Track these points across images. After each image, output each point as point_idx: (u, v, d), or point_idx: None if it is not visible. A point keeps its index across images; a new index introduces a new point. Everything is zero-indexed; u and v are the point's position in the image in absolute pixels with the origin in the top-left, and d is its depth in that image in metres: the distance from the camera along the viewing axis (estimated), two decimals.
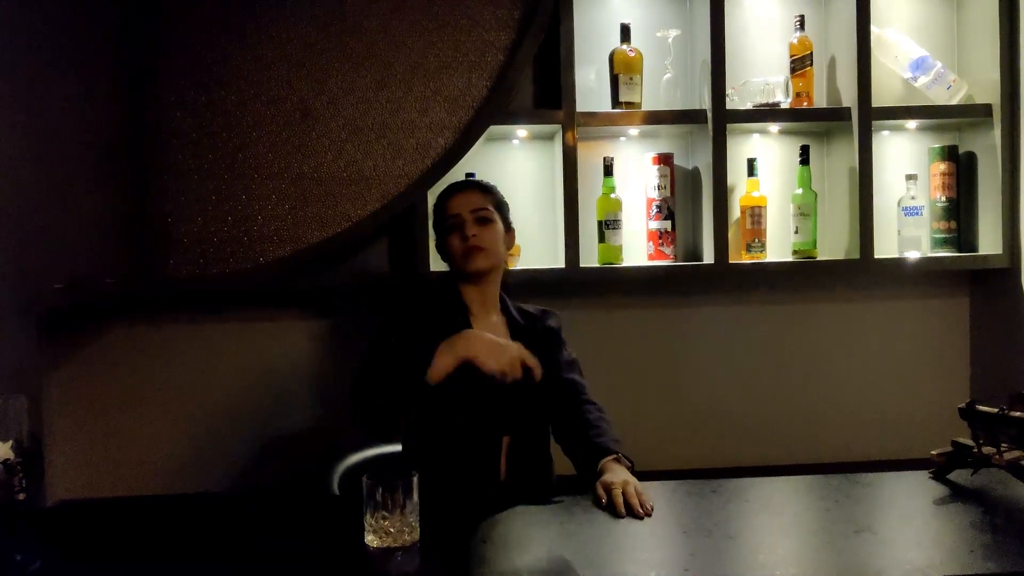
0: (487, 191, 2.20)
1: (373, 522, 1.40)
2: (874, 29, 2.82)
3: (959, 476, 1.78)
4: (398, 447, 2.19)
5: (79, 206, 2.23)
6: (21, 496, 1.20)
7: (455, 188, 2.21)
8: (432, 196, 2.73)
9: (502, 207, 2.21)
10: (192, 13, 2.64)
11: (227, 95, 2.67)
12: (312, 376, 2.82)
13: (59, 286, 2.03)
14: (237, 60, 2.66)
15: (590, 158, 2.85)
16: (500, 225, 2.17)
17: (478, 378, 1.93)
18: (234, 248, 2.68)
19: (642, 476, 2.78)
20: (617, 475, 1.81)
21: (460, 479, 2.01)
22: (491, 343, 1.84)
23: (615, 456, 1.92)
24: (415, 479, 1.42)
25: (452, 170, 2.69)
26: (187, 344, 2.80)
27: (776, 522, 1.57)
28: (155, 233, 2.64)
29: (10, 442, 1.19)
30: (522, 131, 2.82)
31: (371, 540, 1.39)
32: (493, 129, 2.74)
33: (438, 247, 2.22)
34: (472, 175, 2.77)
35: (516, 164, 2.89)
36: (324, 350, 2.83)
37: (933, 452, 1.83)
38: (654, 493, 1.75)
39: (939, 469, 1.80)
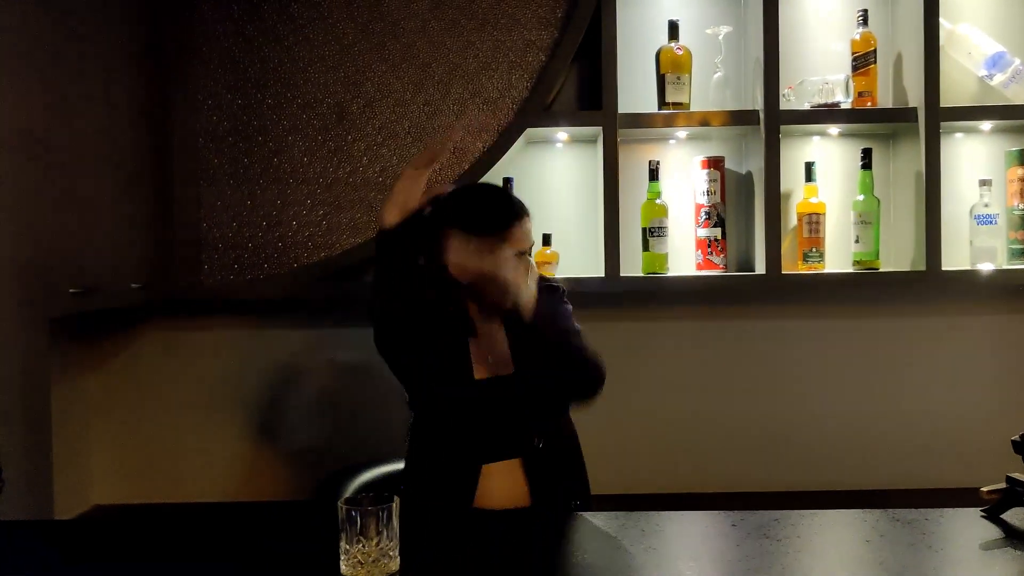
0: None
1: (348, 549, 1.30)
2: (945, 24, 2.63)
3: (1014, 516, 1.59)
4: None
5: (104, 210, 2.21)
6: None
7: (517, 212, 1.89)
8: None
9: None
10: (227, 14, 2.60)
11: (263, 98, 2.63)
12: (346, 384, 2.76)
13: (74, 291, 2.00)
14: (273, 62, 2.62)
15: (634, 162, 2.72)
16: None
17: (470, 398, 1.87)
18: (267, 254, 2.63)
19: (685, 498, 2.68)
20: None
21: (445, 504, 1.89)
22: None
23: None
24: (395, 504, 1.32)
25: (490, 172, 2.60)
26: (221, 350, 2.77)
27: (807, 562, 1.43)
28: (188, 238, 2.61)
29: None
30: (563, 134, 2.70)
31: (345, 570, 1.30)
32: (534, 132, 2.64)
33: (432, 243, 1.91)
34: (510, 180, 2.67)
35: (557, 168, 2.78)
36: (360, 359, 2.76)
37: (984, 489, 1.64)
38: (696, 526, 1.62)
39: (992, 508, 1.61)
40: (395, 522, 1.32)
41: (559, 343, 1.90)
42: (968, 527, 1.57)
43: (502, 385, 1.91)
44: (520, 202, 1.94)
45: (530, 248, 1.93)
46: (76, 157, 2.07)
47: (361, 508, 1.31)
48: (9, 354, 1.82)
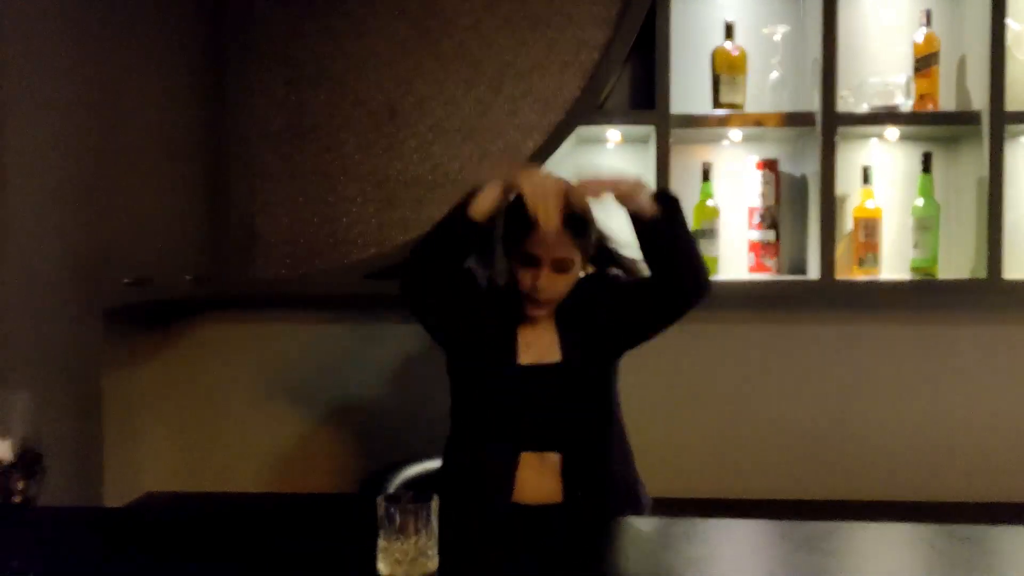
0: (580, 234, 1.88)
1: (386, 546, 1.30)
2: (1013, 25, 2.55)
3: None
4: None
5: (158, 204, 2.24)
6: (17, 499, 1.16)
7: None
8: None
9: (588, 244, 1.93)
10: (284, 9, 2.62)
11: (317, 94, 2.64)
12: (392, 381, 2.77)
13: (127, 282, 2.03)
14: (327, 59, 2.64)
15: (687, 163, 2.69)
16: (579, 264, 1.92)
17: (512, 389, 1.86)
18: (319, 250, 2.65)
19: (733, 504, 2.64)
20: None
21: (481, 500, 1.88)
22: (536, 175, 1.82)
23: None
24: (434, 502, 1.32)
25: None
26: (271, 344, 2.80)
27: None
28: (241, 233, 2.64)
29: (8, 441, 1.15)
30: (615, 133, 2.68)
31: (382, 568, 1.30)
32: (585, 131, 2.62)
33: (505, 250, 1.95)
34: None
35: (609, 168, 2.74)
36: (407, 355, 2.77)
37: None
38: (743, 536, 1.58)
39: None
40: (434, 520, 1.31)
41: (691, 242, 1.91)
42: None
43: (547, 373, 1.90)
44: (572, 217, 1.90)
45: (563, 269, 1.88)
46: (132, 150, 2.10)
47: (400, 505, 1.30)
48: (62, 343, 1.85)
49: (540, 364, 1.92)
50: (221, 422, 2.80)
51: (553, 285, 1.88)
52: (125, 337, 2.64)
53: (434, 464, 2.21)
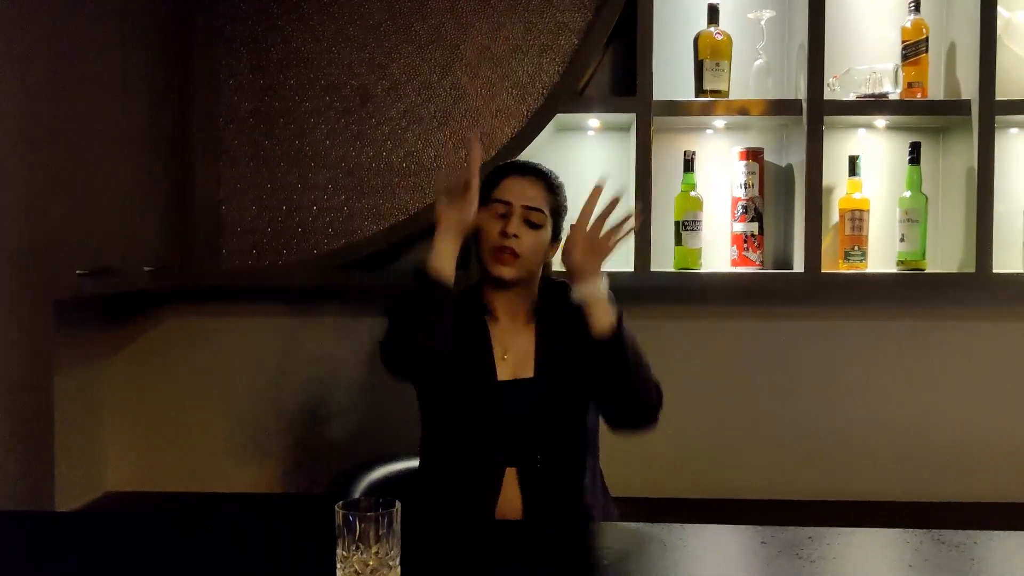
0: (552, 189, 1.87)
1: (346, 556, 1.21)
2: (1003, 12, 2.48)
3: None
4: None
5: (117, 191, 2.14)
6: None
7: (517, 169, 1.89)
8: None
9: (559, 213, 1.90)
10: None
11: (286, 78, 2.55)
12: (365, 375, 2.68)
13: (81, 272, 1.92)
14: (297, 42, 2.54)
15: (669, 152, 2.61)
16: (548, 233, 1.85)
17: (486, 400, 1.77)
18: (288, 239, 2.55)
19: (712, 504, 2.56)
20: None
21: (458, 511, 1.78)
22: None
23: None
24: (396, 509, 1.23)
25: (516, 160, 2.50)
26: (237, 337, 2.70)
27: None
28: (206, 221, 2.54)
29: None
30: (595, 121, 2.59)
31: None
32: (565, 119, 2.54)
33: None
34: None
35: (588, 156, 2.67)
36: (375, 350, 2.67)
37: None
38: (723, 542, 1.50)
39: None
40: (396, 528, 1.23)
41: (638, 375, 1.75)
42: (1021, 552, 1.44)
43: (522, 388, 1.81)
44: (544, 171, 1.90)
45: (534, 224, 1.82)
46: (88, 136, 2.00)
47: (359, 513, 1.21)
48: (7, 336, 1.75)
49: (516, 379, 1.82)
50: (184, 419, 2.70)
51: (525, 237, 1.80)
52: (81, 331, 2.54)
53: (406, 464, 2.12)
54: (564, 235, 1.87)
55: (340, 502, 1.23)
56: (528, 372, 1.82)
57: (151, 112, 2.32)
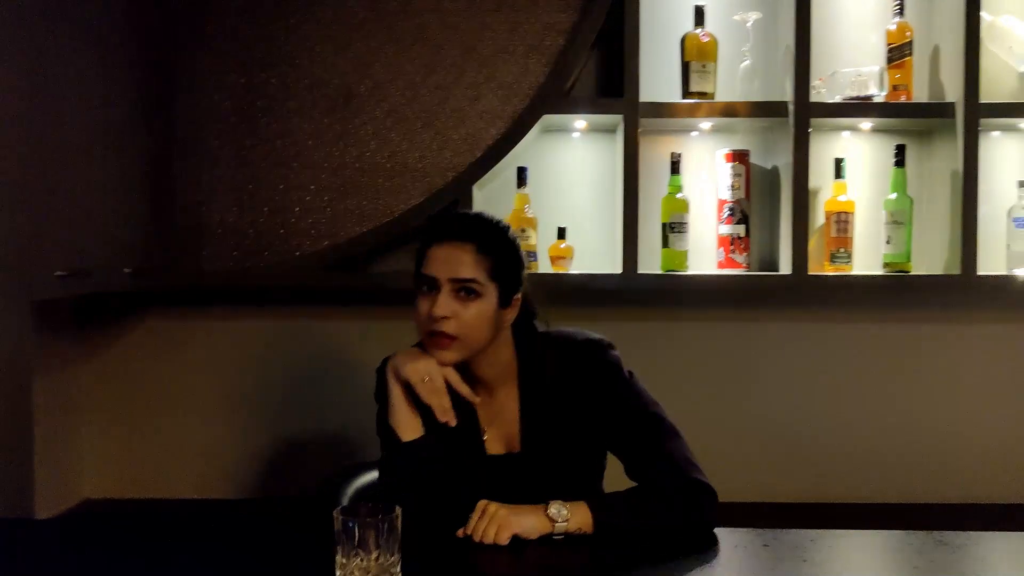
0: (488, 249, 1.59)
1: (345, 563, 1.18)
2: (986, 16, 2.49)
3: None
4: None
5: (97, 191, 2.09)
6: None
7: (440, 233, 1.61)
8: (483, 194, 2.56)
9: (505, 271, 1.61)
10: None
11: (268, 77, 2.51)
12: (349, 378, 2.63)
13: (60, 274, 1.88)
14: (279, 40, 2.50)
15: (655, 154, 2.60)
16: (492, 299, 1.59)
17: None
18: (269, 240, 2.51)
19: None
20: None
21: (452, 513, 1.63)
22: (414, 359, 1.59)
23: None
24: (397, 513, 1.20)
25: (503, 162, 2.48)
26: (218, 340, 2.65)
27: None
28: (187, 223, 2.49)
29: None
30: (581, 122, 2.58)
31: None
32: (550, 120, 2.52)
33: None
34: (524, 169, 2.54)
35: (574, 158, 2.65)
36: (362, 353, 2.63)
37: None
38: (724, 546, 1.47)
39: None
40: (398, 534, 1.20)
41: (663, 523, 1.53)
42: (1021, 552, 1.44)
43: (511, 464, 1.67)
44: (476, 228, 1.62)
45: (470, 293, 1.56)
46: (67, 136, 1.95)
47: (359, 519, 1.18)
48: None
49: (505, 455, 1.67)
50: (165, 424, 2.65)
51: (456, 314, 1.56)
52: (61, 333, 2.48)
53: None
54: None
55: (338, 508, 1.20)
56: (516, 446, 1.67)
57: (132, 111, 2.27)
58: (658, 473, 1.56)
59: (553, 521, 1.47)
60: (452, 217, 1.72)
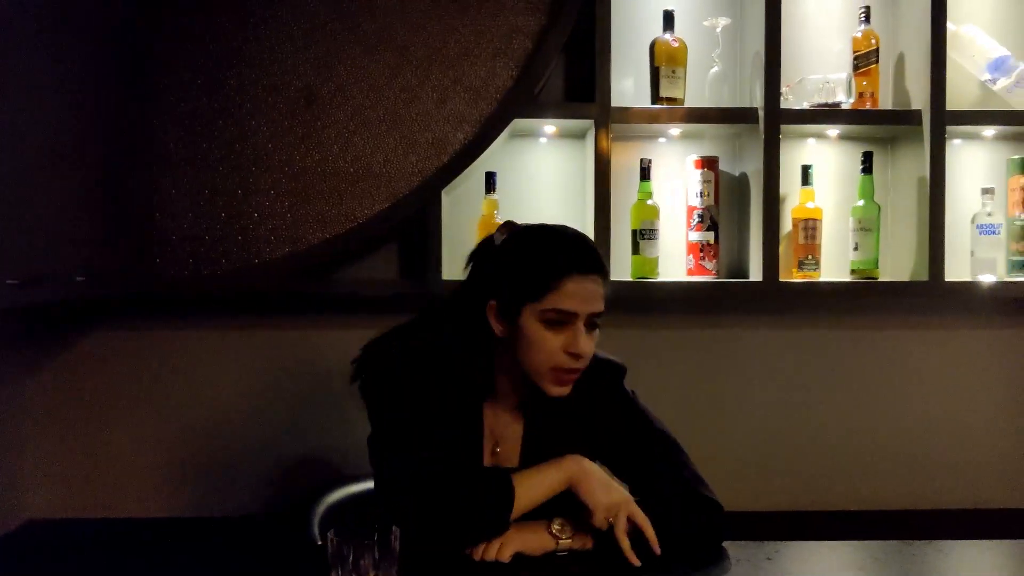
0: (607, 281, 1.56)
1: None
2: (949, 25, 2.51)
3: None
4: None
5: (44, 195, 1.98)
6: None
7: (579, 265, 1.50)
8: (450, 199, 2.49)
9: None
10: None
11: (226, 78, 2.41)
12: (315, 390, 2.54)
13: (12, 282, 1.76)
14: (238, 40, 2.41)
15: (625, 160, 2.57)
16: None
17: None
18: (227, 247, 2.41)
19: None
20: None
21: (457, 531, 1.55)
22: (603, 480, 1.46)
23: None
24: (395, 534, 1.13)
25: (471, 168, 2.42)
26: (174, 352, 2.53)
27: None
28: (141, 229, 2.38)
29: None
30: (550, 127, 2.53)
31: None
32: (519, 124, 2.46)
33: (512, 308, 1.53)
34: (493, 174, 2.48)
35: (542, 164, 2.60)
36: (327, 364, 2.55)
37: None
38: None
39: None
40: (395, 556, 1.13)
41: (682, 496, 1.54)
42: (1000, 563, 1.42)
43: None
44: (602, 261, 1.54)
45: (596, 327, 1.51)
46: (17, 141, 1.84)
47: (355, 541, 1.11)
48: None
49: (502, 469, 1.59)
50: (116, 439, 2.52)
51: (589, 347, 1.51)
52: (8, 345, 2.35)
53: (362, 487, 1.99)
54: None
55: (332, 529, 1.13)
56: (513, 461, 1.61)
57: (83, 114, 2.16)
58: (665, 489, 1.54)
59: (556, 538, 1.42)
60: (581, 245, 1.55)
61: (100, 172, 2.25)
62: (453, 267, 2.45)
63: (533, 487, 1.45)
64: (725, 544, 1.48)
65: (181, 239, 2.40)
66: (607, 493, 1.45)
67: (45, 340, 2.49)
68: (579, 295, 1.48)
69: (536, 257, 1.52)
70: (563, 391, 1.52)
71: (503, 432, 1.62)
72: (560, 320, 1.48)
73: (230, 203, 2.41)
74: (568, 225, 1.62)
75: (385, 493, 1.52)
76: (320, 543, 1.76)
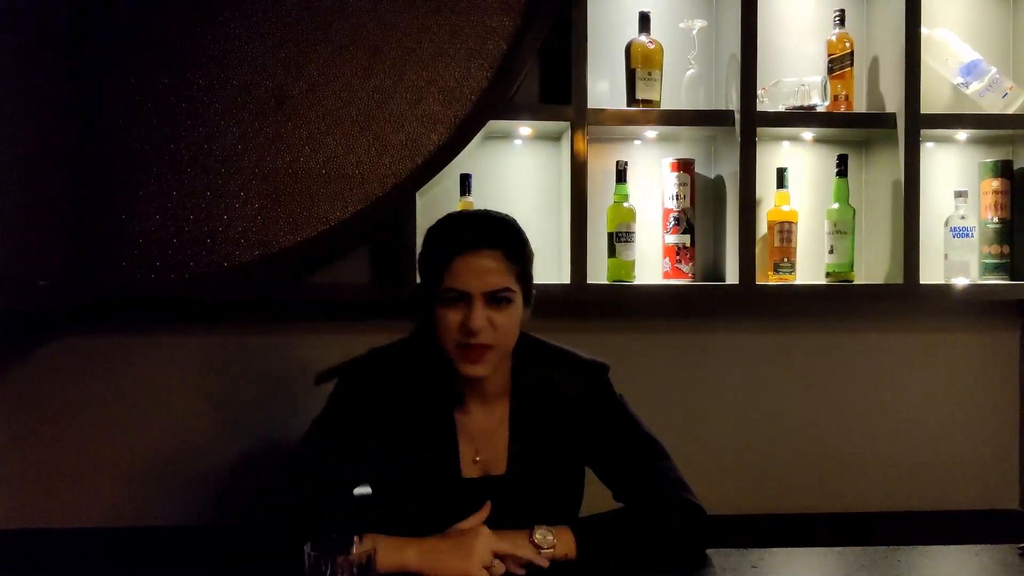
0: (515, 256, 1.53)
1: None
2: (923, 28, 2.51)
3: None
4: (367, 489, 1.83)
5: (7, 200, 1.91)
6: None
7: (465, 243, 1.51)
8: (424, 202, 2.45)
9: (528, 273, 1.58)
10: None
11: (194, 78, 2.36)
12: (284, 397, 2.49)
13: None
14: (206, 39, 2.35)
15: (601, 162, 2.54)
16: (519, 302, 1.54)
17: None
18: (195, 251, 2.36)
19: None
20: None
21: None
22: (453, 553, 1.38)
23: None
24: (375, 550, 1.09)
25: (446, 170, 2.39)
26: (140, 359, 2.46)
27: None
28: (105, 232, 2.32)
29: None
30: (526, 129, 2.50)
31: None
32: (494, 126, 2.43)
33: (417, 301, 1.59)
34: (468, 177, 2.45)
35: (518, 166, 2.57)
36: (298, 371, 2.50)
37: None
38: None
39: None
40: (376, 571, 1.09)
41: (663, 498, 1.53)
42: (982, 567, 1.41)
43: (492, 486, 1.56)
44: (500, 235, 1.53)
45: (503, 301, 1.49)
46: None
47: (332, 556, 1.07)
48: None
49: (485, 477, 1.58)
50: (79, 448, 2.44)
51: (497, 321, 1.49)
52: None
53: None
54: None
55: (309, 544, 1.09)
56: (500, 468, 1.58)
57: (46, 114, 2.10)
58: (649, 493, 1.53)
59: (539, 547, 1.39)
60: (469, 222, 1.57)
61: (64, 173, 2.19)
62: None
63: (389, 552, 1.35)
64: (709, 552, 1.45)
65: (147, 242, 2.34)
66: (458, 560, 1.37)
67: (7, 347, 2.42)
68: (467, 273, 1.48)
69: (428, 245, 1.56)
70: (475, 369, 1.51)
71: (485, 439, 1.59)
72: (455, 299, 1.49)
73: (198, 205, 2.36)
74: (496, 210, 1.63)
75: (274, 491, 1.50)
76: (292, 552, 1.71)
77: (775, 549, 1.43)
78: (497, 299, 1.50)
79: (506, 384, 1.61)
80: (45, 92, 2.10)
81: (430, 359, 1.56)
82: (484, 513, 1.46)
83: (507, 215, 1.61)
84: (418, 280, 1.60)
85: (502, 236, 1.54)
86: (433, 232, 1.58)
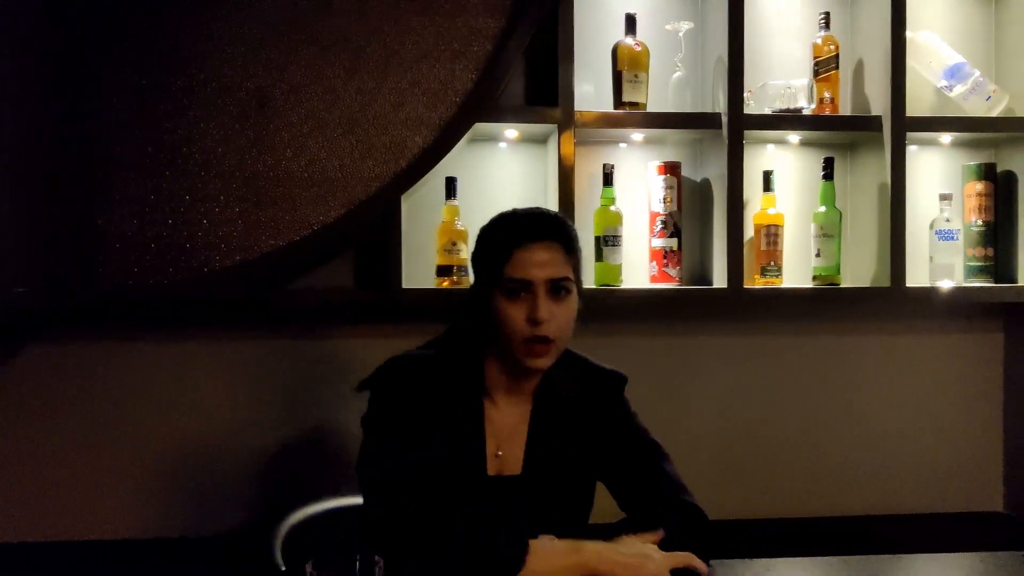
0: (572, 248, 1.57)
1: None
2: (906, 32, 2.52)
3: None
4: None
5: None
6: None
7: (527, 233, 1.54)
8: (409, 205, 2.41)
9: (580, 268, 1.61)
10: None
11: (173, 79, 2.30)
12: (270, 405, 2.44)
13: None
14: (186, 39, 2.30)
15: (587, 165, 2.52)
16: (575, 295, 1.57)
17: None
18: (175, 255, 2.30)
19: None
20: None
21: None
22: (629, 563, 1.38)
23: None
24: (379, 565, 1.06)
25: (431, 173, 2.35)
26: (119, 367, 2.41)
27: None
28: (82, 236, 2.26)
29: None
30: (512, 132, 2.48)
31: None
32: (479, 128, 2.40)
33: (472, 298, 1.59)
34: (454, 180, 2.42)
35: (503, 169, 2.55)
36: (284, 377, 2.46)
37: None
38: None
39: None
40: None
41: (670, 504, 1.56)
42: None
43: (510, 486, 1.56)
44: (560, 227, 1.56)
45: (563, 291, 1.52)
46: None
47: (336, 574, 1.04)
48: None
49: (504, 475, 1.57)
50: (59, 458, 2.38)
51: (557, 314, 1.51)
52: None
53: (321, 506, 1.91)
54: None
55: (311, 560, 1.05)
56: (515, 467, 1.58)
57: (21, 116, 2.05)
58: (652, 494, 1.56)
59: None
60: (527, 217, 1.59)
61: (39, 177, 2.13)
62: (413, 276, 2.38)
63: (547, 558, 1.37)
64: (719, 562, 1.43)
65: (125, 247, 2.28)
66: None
67: None
68: (530, 262, 1.51)
69: (484, 242, 1.58)
70: (539, 362, 1.53)
71: (507, 436, 1.59)
72: (518, 290, 1.51)
73: (177, 209, 2.31)
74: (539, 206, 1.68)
75: (375, 522, 1.46)
76: (284, 568, 1.68)
77: (778, 559, 1.41)
78: (558, 288, 1.52)
79: (534, 385, 1.61)
80: (20, 94, 2.04)
81: (466, 357, 1.59)
82: (659, 535, 1.46)
83: (559, 212, 1.67)
84: (471, 280, 1.63)
85: (560, 230, 1.57)
86: (489, 229, 1.60)
